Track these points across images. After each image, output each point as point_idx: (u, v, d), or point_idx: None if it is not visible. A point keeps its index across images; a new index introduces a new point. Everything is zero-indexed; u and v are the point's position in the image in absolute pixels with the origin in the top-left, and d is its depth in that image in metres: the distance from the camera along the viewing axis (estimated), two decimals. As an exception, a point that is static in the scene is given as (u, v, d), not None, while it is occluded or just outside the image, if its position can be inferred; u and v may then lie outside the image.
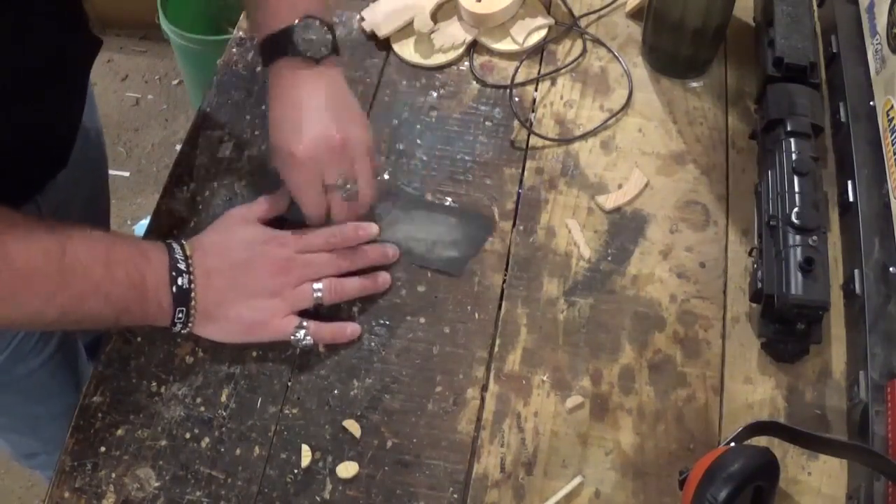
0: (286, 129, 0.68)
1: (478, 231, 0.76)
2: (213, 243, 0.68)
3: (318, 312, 0.70)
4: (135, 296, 0.62)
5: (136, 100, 2.02)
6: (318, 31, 0.69)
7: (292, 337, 0.67)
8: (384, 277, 0.72)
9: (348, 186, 0.69)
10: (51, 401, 0.93)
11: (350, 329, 0.70)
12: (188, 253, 0.66)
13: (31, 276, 0.58)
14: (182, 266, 0.65)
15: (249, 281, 0.67)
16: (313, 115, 0.67)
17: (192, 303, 0.65)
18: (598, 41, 0.88)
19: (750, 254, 0.74)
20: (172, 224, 0.76)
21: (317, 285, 0.69)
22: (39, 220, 0.60)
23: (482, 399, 0.68)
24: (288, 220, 0.74)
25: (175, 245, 0.66)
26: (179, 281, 0.64)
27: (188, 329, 0.66)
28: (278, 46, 0.69)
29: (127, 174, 1.90)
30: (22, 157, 0.69)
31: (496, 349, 0.70)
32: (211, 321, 0.66)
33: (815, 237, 0.67)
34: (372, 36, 0.89)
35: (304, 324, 0.68)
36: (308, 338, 0.68)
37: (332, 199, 0.70)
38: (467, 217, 0.76)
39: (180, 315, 0.65)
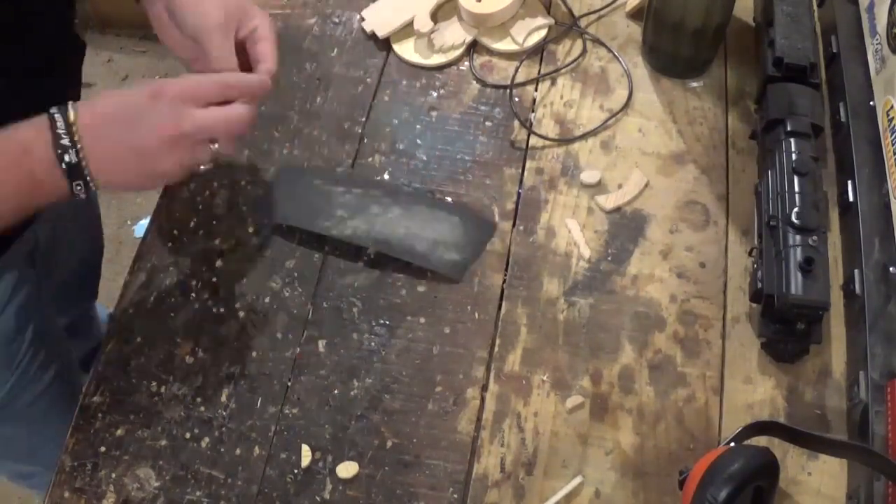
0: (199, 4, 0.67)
1: (479, 233, 0.76)
2: (103, 101, 0.63)
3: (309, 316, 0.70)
4: (28, 190, 0.60)
5: (136, 100, 2.02)
6: None
7: (202, 167, 0.65)
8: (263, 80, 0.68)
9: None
10: (51, 428, 0.92)
11: (241, 109, 0.65)
12: (72, 119, 0.61)
13: None
14: (66, 140, 0.60)
15: (143, 140, 0.62)
16: None
17: (86, 171, 0.61)
18: (598, 41, 0.88)
19: (750, 254, 0.74)
20: (172, 224, 0.76)
21: (213, 145, 0.65)
22: None
23: (482, 399, 0.68)
24: (281, 223, 0.75)
25: (58, 115, 0.61)
26: (66, 157, 0.60)
27: (94, 189, 0.63)
28: None
29: (127, 174, 1.90)
30: None
31: (496, 349, 0.70)
32: (114, 179, 0.64)
33: (815, 237, 0.67)
34: (372, 36, 0.89)
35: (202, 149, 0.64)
36: (213, 146, 0.64)
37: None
38: (469, 217, 0.76)
39: (78, 186, 0.62)
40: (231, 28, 0.69)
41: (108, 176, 0.62)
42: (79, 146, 0.61)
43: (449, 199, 0.78)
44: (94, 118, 0.62)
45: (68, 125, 0.61)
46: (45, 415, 0.91)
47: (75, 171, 0.61)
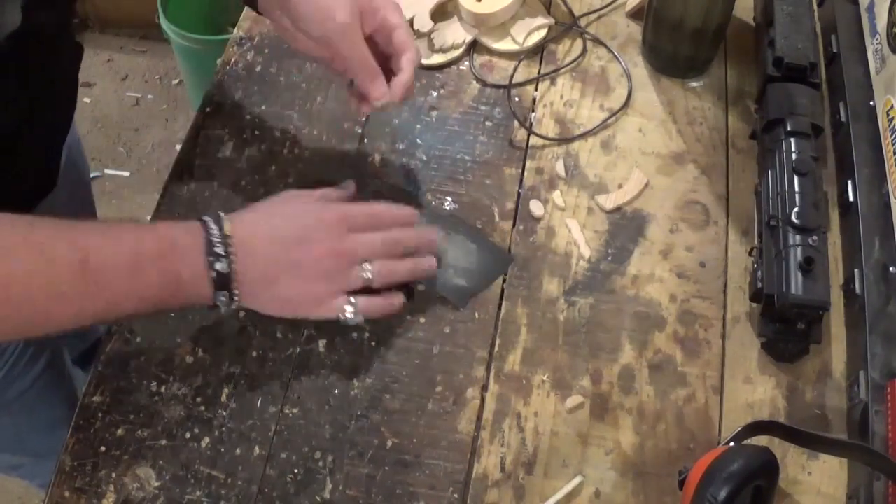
0: (316, 3, 0.65)
1: (494, 265, 0.74)
2: (258, 217, 0.64)
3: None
4: (170, 291, 0.60)
5: (136, 100, 2.02)
6: None
7: (341, 316, 0.65)
8: (430, 261, 0.69)
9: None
10: (38, 419, 0.93)
11: (396, 301, 0.68)
12: (227, 231, 0.61)
13: (59, 298, 0.55)
14: (220, 249, 0.60)
15: (300, 260, 0.63)
16: None
17: (234, 284, 0.61)
18: (598, 41, 0.88)
19: (750, 254, 0.74)
20: (172, 224, 0.76)
21: (367, 266, 0.65)
22: (58, 228, 0.57)
23: (482, 399, 0.68)
24: None
25: (212, 224, 0.61)
26: (217, 266, 0.60)
27: (234, 306, 0.63)
28: None
29: (127, 174, 1.91)
30: (11, 181, 0.68)
31: (496, 349, 0.70)
32: (258, 298, 0.64)
33: (815, 237, 0.67)
34: (372, 36, 0.89)
35: (353, 300, 0.65)
36: (358, 315, 0.65)
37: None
38: (487, 247, 0.74)
39: (222, 298, 0.62)
40: (359, 24, 0.66)
41: (253, 291, 0.62)
42: (232, 257, 0.61)
43: (449, 200, 0.77)
44: (250, 236, 0.62)
45: (224, 236, 0.61)
46: (33, 406, 0.91)
47: (223, 282, 0.61)
